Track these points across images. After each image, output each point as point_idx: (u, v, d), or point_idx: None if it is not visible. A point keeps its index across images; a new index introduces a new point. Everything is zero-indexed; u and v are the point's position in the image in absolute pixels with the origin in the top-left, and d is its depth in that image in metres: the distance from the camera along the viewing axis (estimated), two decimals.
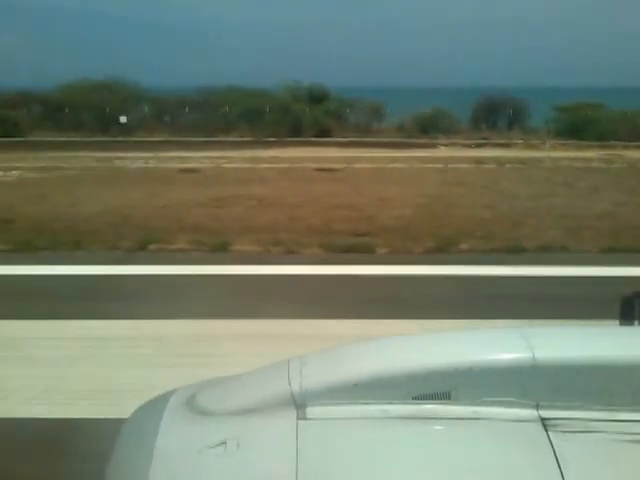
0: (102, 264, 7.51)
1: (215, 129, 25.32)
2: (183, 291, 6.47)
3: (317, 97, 27.20)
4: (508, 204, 11.10)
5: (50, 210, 10.60)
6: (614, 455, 1.28)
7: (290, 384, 1.42)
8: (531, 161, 17.92)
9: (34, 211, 10.46)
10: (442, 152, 21.01)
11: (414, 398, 1.37)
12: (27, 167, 16.78)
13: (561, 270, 7.19)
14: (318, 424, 1.36)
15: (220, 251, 7.97)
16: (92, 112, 25.85)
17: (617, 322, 2.19)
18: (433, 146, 22.44)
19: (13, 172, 16.18)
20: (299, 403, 1.39)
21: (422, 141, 23.50)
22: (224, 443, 1.33)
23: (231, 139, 23.94)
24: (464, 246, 8.23)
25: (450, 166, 17.17)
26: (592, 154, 19.95)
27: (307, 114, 25.22)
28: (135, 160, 18.37)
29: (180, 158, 18.63)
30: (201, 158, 18.58)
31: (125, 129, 24.91)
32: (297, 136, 23.97)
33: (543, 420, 1.33)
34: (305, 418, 1.37)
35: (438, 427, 1.34)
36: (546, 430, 1.31)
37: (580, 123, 24.63)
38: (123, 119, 24.51)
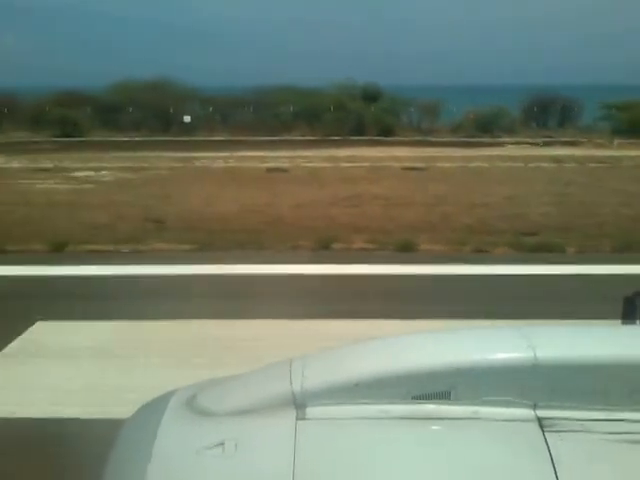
0: (314, 263, 7.54)
1: (272, 128, 25.36)
2: (448, 293, 6.51)
3: (371, 96, 27.25)
4: None
5: (189, 209, 10.63)
6: (610, 455, 1.27)
7: (291, 384, 1.42)
8: (609, 160, 17.93)
9: (175, 211, 10.48)
10: (510, 151, 21.03)
11: (414, 398, 1.37)
12: (112, 167, 16.83)
13: None
14: (318, 424, 1.35)
15: (408, 251, 7.99)
16: (150, 112, 25.88)
17: (619, 321, 2.19)
18: (499, 145, 22.47)
19: (103, 172, 16.23)
20: (299, 403, 1.39)
21: (487, 140, 23.55)
22: (222, 444, 1.33)
23: (294, 138, 24.01)
24: None
25: (531, 165, 17.22)
26: None
27: (368, 113, 25.24)
28: (214, 160, 18.42)
29: (255, 157, 18.66)
30: (276, 157, 18.60)
31: (186, 128, 24.96)
32: (359, 135, 24.01)
33: (540, 420, 1.33)
34: (305, 418, 1.37)
35: (438, 427, 1.34)
36: (542, 430, 1.31)
37: None
38: (187, 118, 24.48)
